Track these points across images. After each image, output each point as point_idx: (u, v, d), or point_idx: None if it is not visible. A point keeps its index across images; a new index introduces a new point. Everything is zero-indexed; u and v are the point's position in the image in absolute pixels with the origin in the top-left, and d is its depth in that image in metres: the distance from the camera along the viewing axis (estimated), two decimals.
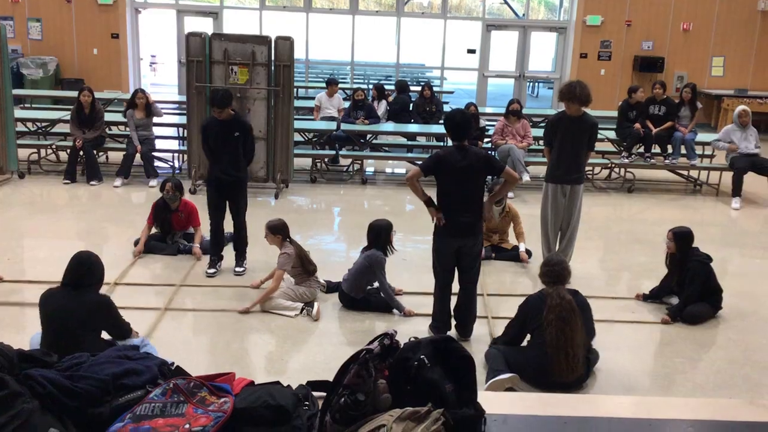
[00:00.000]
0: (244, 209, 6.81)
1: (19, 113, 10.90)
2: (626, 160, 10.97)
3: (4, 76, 9.47)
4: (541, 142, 7.41)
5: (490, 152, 10.80)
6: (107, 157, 10.93)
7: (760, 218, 9.79)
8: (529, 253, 7.41)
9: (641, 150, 11.07)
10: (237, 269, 6.81)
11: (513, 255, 7.43)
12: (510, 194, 10.05)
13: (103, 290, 5.51)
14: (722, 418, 2.45)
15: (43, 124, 11.39)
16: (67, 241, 7.57)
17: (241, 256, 6.88)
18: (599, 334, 5.24)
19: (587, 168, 11.05)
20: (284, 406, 2.10)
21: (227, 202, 6.77)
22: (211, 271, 6.78)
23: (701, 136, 11.33)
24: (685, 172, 11.35)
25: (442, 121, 12.23)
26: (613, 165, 11.18)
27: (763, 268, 7.69)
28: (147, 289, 6.43)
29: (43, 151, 10.81)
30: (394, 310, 6.07)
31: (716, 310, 6.22)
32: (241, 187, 6.77)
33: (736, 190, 10.14)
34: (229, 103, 6.52)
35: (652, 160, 11.07)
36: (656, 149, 11.18)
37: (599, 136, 11.42)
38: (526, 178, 9.97)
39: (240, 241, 6.87)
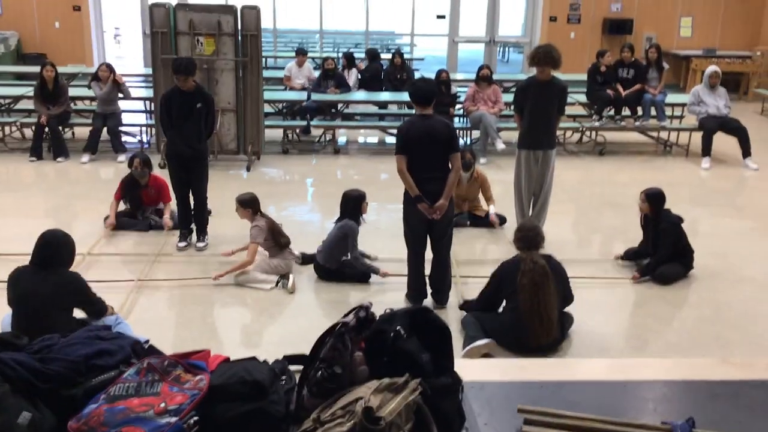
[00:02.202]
0: (205, 183, 6.72)
1: None
2: (597, 124, 11.02)
3: None
4: (513, 107, 7.40)
5: (460, 120, 10.79)
6: (73, 133, 10.74)
7: (729, 178, 9.91)
8: (502, 218, 7.42)
9: (611, 113, 11.13)
10: (198, 244, 6.75)
11: (487, 221, 7.43)
12: (482, 159, 10.08)
13: (75, 263, 5.47)
14: (696, 377, 2.49)
15: (7, 100, 11.14)
16: (36, 219, 7.44)
17: (202, 231, 6.81)
18: (573, 297, 5.28)
19: (558, 132, 11.08)
20: (261, 381, 2.08)
21: (189, 176, 6.66)
22: (182, 244, 6.73)
23: (671, 97, 11.40)
24: (655, 134, 11.42)
25: None
26: (584, 128, 11.22)
27: (733, 227, 7.80)
28: (118, 265, 6.37)
29: (7, 129, 10.59)
30: (372, 275, 6.07)
31: (688, 270, 6.30)
32: (202, 160, 6.66)
33: (706, 150, 10.23)
34: (193, 72, 6.41)
35: (623, 123, 11.13)
36: (626, 112, 11.24)
37: (570, 100, 11.52)
38: (500, 146, 9.95)
39: (201, 216, 6.79)
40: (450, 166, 5.36)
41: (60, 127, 9.88)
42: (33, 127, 9.87)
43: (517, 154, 6.89)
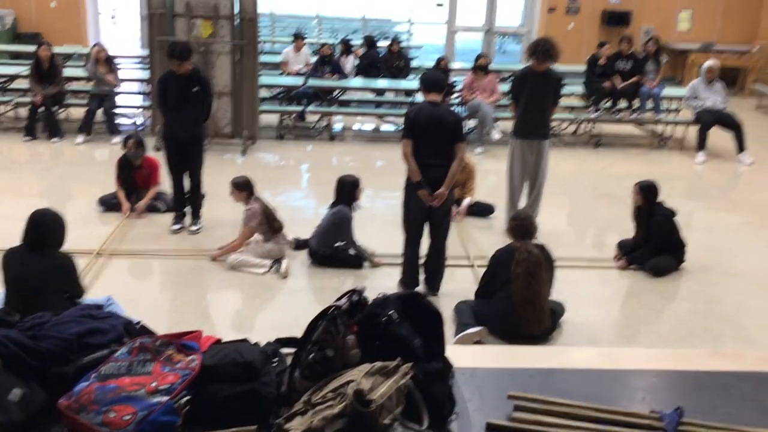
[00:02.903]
0: (200, 167, 6.71)
1: None
2: (593, 115, 11.03)
3: None
4: (509, 96, 7.40)
5: (459, 108, 10.77)
6: (68, 114, 10.68)
7: (724, 172, 9.93)
8: (488, 208, 7.44)
9: (608, 105, 11.13)
10: (192, 228, 6.75)
11: (477, 210, 7.43)
12: (478, 149, 10.07)
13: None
14: (686, 368, 2.50)
15: (2, 79, 11.07)
16: (30, 199, 7.41)
17: (196, 215, 6.81)
18: (566, 287, 5.30)
19: (554, 123, 11.08)
20: (252, 362, 2.09)
21: (185, 159, 6.64)
22: (176, 227, 6.72)
23: (668, 91, 11.40)
24: (651, 127, 11.43)
25: (411, 77, 12.16)
26: (579, 120, 11.22)
27: (726, 221, 7.83)
28: (109, 247, 6.35)
29: (1, 108, 10.52)
30: (364, 263, 6.07)
31: (680, 263, 6.32)
32: (198, 144, 6.65)
33: (701, 144, 10.25)
34: (188, 56, 6.38)
35: (619, 115, 11.13)
36: (623, 104, 11.24)
37: (567, 91, 11.50)
38: (496, 136, 9.94)
39: (195, 200, 6.78)
40: (454, 155, 5.36)
41: (55, 107, 9.83)
42: (28, 107, 9.83)
43: (510, 144, 6.90)
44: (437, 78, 5.61)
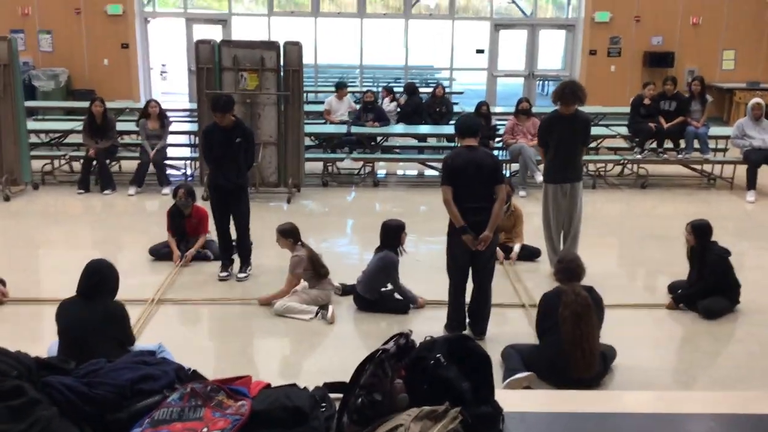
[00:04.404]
0: (246, 215, 6.82)
1: (31, 125, 10.98)
2: (639, 156, 10.92)
3: (17, 88, 9.53)
4: (537, 141, 7.39)
5: (500, 152, 10.79)
6: (120, 167, 10.98)
7: None
8: (535, 251, 7.37)
9: (654, 146, 11.03)
10: (239, 275, 6.82)
11: (524, 253, 7.37)
12: (522, 192, 10.04)
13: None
14: (744, 411, 2.43)
15: (56, 135, 11.47)
16: (83, 250, 7.60)
17: (244, 262, 6.89)
18: (616, 329, 5.20)
19: (599, 165, 11.02)
20: (301, 407, 2.10)
21: (230, 208, 6.77)
22: (224, 274, 6.81)
23: (714, 130, 11.25)
24: (698, 167, 11.27)
25: (453, 123, 12.24)
26: (625, 161, 11.13)
27: None
28: (158, 295, 6.45)
29: (56, 162, 10.88)
30: (411, 307, 6.06)
31: (734, 305, 6.16)
32: (242, 194, 6.77)
33: (751, 183, 10.06)
34: (230, 109, 6.55)
35: (665, 156, 11.01)
36: (669, 144, 11.13)
37: (611, 133, 11.45)
38: (539, 178, 9.89)
39: (243, 247, 6.87)
40: (494, 197, 5.37)
41: (107, 161, 10.12)
42: (81, 161, 10.14)
43: (544, 189, 6.86)
44: (471, 123, 5.66)
